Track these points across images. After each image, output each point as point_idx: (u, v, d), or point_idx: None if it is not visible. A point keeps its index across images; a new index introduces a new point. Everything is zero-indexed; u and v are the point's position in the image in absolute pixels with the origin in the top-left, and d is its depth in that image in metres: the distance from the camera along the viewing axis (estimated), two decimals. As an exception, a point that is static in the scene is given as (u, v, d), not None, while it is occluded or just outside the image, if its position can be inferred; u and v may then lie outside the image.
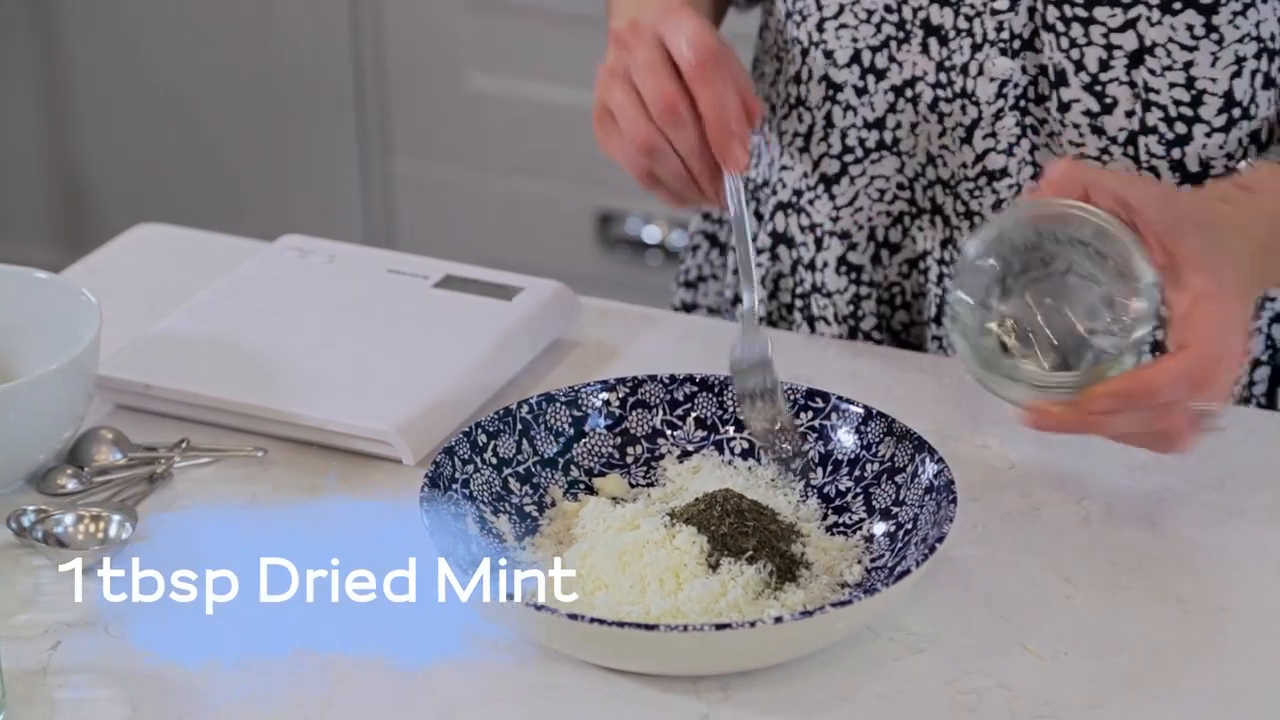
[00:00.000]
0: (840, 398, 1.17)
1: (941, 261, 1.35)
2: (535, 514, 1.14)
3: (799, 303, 1.40)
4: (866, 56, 1.31)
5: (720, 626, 0.99)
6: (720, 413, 1.19)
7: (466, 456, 1.13)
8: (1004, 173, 1.30)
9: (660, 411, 1.19)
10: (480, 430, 1.15)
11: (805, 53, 1.34)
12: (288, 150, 2.83)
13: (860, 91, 1.32)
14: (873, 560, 1.10)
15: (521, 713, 1.02)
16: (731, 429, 1.18)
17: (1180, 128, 1.25)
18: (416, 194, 2.81)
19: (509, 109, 2.70)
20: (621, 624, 1.00)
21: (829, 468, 1.16)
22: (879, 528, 1.12)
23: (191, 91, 2.85)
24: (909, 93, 1.30)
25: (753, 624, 0.99)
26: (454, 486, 1.11)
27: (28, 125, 2.96)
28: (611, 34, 1.20)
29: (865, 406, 1.16)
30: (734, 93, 1.16)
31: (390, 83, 2.75)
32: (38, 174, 2.99)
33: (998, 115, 1.28)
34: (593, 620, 1.00)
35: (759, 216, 1.44)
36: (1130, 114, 1.26)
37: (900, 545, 1.10)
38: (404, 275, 1.36)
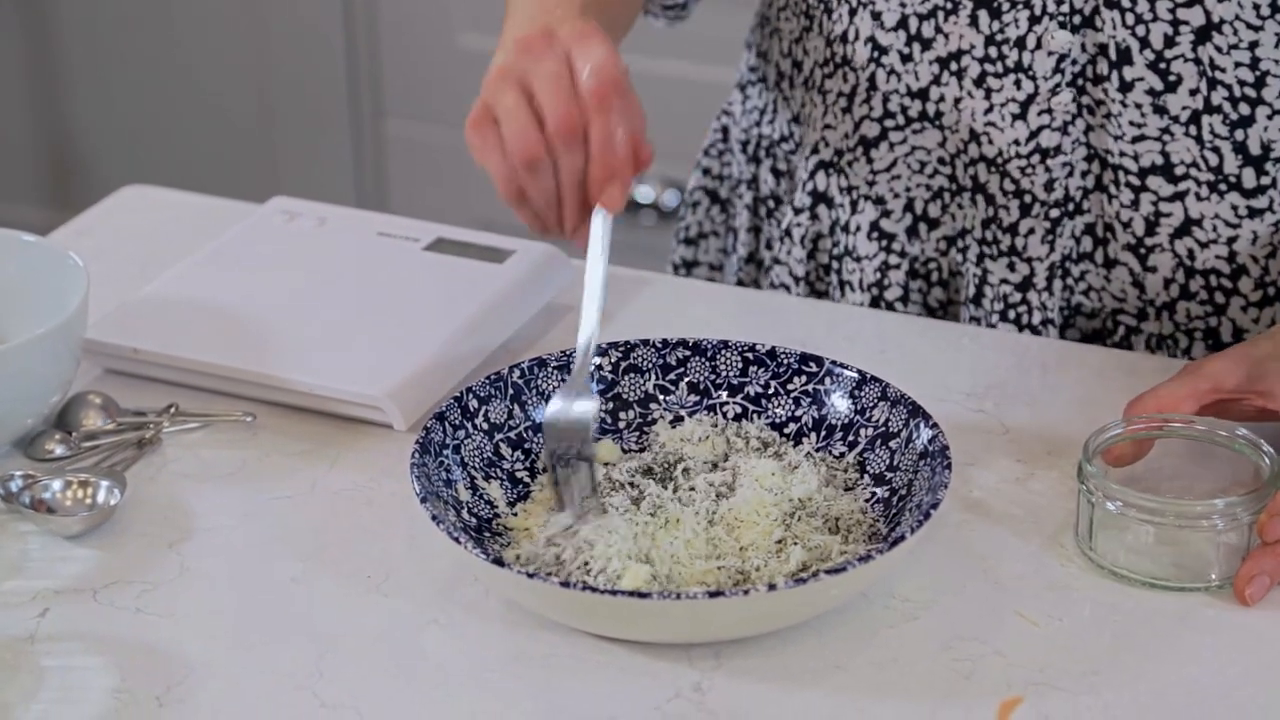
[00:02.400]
0: (834, 362, 1.16)
1: (982, 241, 1.33)
2: (527, 479, 1.14)
3: (834, 264, 1.39)
4: (913, 23, 1.29)
5: (714, 594, 0.98)
6: (713, 377, 1.18)
7: (458, 422, 1.12)
8: (1058, 150, 1.28)
9: (652, 376, 1.18)
10: (471, 395, 1.14)
11: (853, 11, 1.32)
12: (279, 112, 2.82)
13: (905, 58, 1.30)
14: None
15: (514, 681, 1.01)
16: (724, 394, 1.18)
17: (1244, 108, 1.24)
18: (409, 155, 2.79)
19: (501, 69, 2.68)
20: (615, 592, 0.99)
21: (823, 433, 1.15)
22: (873, 493, 1.11)
23: (183, 52, 2.83)
24: (954, 66, 1.29)
25: (746, 592, 0.98)
26: (445, 452, 1.11)
27: (17, 85, 2.94)
28: (519, 39, 1.12)
29: (859, 371, 1.16)
30: (625, 132, 1.10)
31: (382, 43, 2.74)
32: (28, 134, 2.97)
33: (1054, 91, 1.27)
34: (586, 588, 0.99)
35: (778, 174, 1.42)
36: (1194, 92, 1.24)
37: (895, 511, 1.09)
38: (394, 238, 1.35)
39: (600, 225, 1.12)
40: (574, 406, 1.10)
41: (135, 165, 2.87)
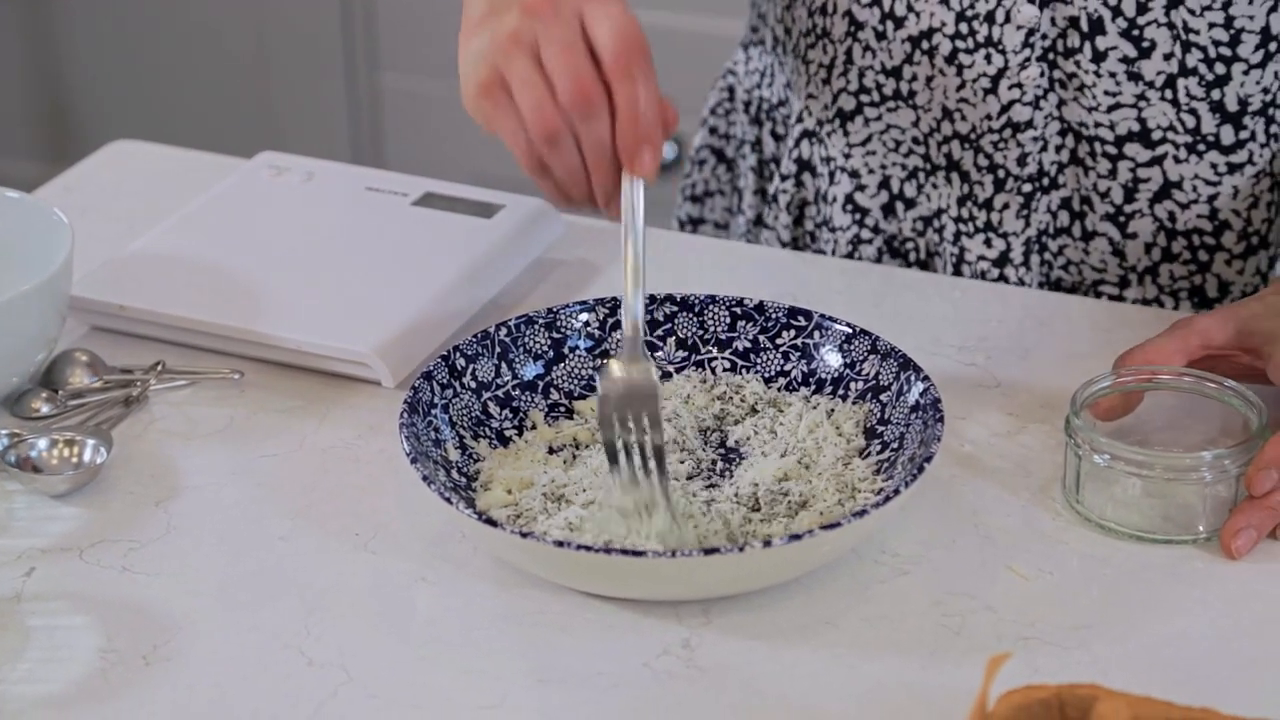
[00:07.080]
0: (824, 315, 1.16)
1: (958, 219, 1.33)
2: (516, 438, 1.13)
3: (816, 232, 1.39)
4: (887, 1, 1.28)
5: (708, 552, 0.98)
6: (701, 333, 1.17)
7: (445, 381, 1.12)
8: (1029, 124, 1.28)
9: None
10: (459, 354, 1.13)
11: None
12: (274, 65, 2.80)
13: (880, 35, 1.29)
14: (858, 479, 1.09)
15: (503, 638, 1.01)
16: (714, 349, 1.17)
17: (1219, 68, 1.24)
18: (404, 108, 2.78)
19: (496, 21, 2.66)
20: (608, 550, 0.99)
21: (813, 387, 1.15)
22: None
23: (177, 4, 2.82)
24: (925, 44, 1.28)
25: (741, 548, 0.98)
26: (433, 411, 1.10)
27: (11, 38, 2.93)
28: (523, 2, 1.06)
29: (849, 324, 1.15)
30: (653, 94, 1.05)
31: (376, -5, 2.73)
32: (19, 87, 2.96)
33: (1023, 65, 1.26)
34: (579, 547, 0.99)
35: (777, 138, 1.42)
36: (1169, 56, 1.24)
37: (887, 465, 1.08)
38: (383, 193, 1.34)
39: (633, 194, 1.06)
40: (633, 371, 1.04)
41: (129, 118, 2.86)
